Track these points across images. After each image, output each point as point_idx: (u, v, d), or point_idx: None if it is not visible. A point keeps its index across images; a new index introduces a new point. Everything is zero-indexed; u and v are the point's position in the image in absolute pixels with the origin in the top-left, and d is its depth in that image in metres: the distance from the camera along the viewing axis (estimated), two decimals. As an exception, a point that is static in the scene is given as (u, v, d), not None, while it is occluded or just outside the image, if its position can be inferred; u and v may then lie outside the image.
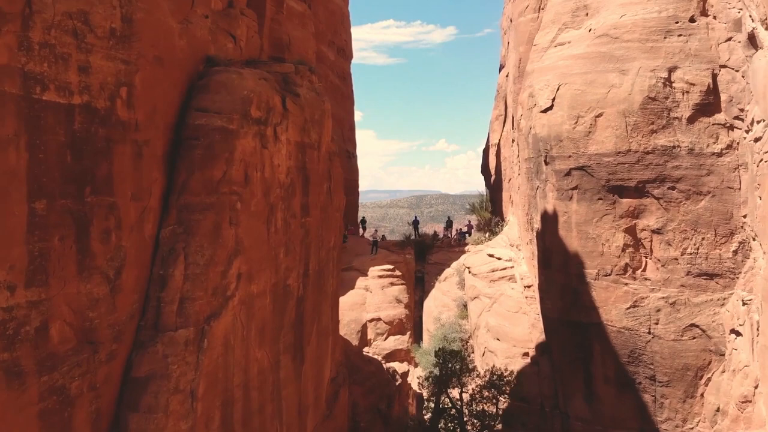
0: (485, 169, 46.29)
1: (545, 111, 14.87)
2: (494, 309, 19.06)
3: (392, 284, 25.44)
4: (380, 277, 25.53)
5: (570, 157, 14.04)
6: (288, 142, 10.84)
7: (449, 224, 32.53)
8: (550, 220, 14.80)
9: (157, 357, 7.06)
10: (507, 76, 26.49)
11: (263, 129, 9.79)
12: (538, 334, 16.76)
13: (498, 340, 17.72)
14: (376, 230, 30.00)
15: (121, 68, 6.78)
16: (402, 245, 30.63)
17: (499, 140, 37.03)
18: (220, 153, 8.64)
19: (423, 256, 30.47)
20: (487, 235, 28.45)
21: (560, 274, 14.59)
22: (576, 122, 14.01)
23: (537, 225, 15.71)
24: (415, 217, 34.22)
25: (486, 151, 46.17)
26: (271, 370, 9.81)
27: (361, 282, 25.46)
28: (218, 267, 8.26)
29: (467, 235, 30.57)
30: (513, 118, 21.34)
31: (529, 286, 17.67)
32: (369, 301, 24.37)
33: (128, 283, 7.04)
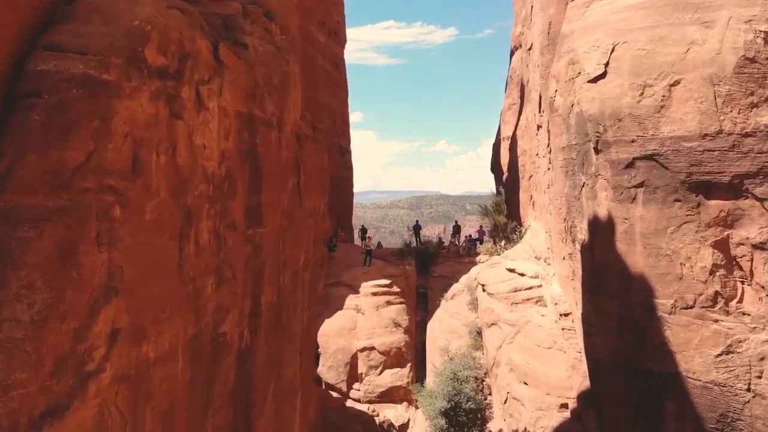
0: (496, 167, 42.96)
1: (595, 80, 11.49)
2: (519, 341, 15.66)
3: (389, 303, 22.04)
4: (374, 294, 22.13)
5: (633, 141, 10.65)
6: (224, 113, 7.45)
7: (457, 230, 29.15)
8: (602, 229, 11.44)
9: None
10: (529, 50, 23.12)
11: (174, 87, 6.42)
12: (580, 380, 13.36)
13: (525, 384, 14.31)
14: (369, 237, 26.57)
15: None
16: (401, 254, 27.25)
17: (514, 132, 33.72)
18: (80, 120, 5.28)
19: (426, 267, 27.08)
20: (503, 243, 25.05)
21: (617, 303, 11.20)
22: (641, 93, 10.63)
23: (582, 235, 12.34)
24: (417, 221, 30.78)
25: (496, 146, 42.82)
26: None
27: (351, 301, 22.06)
28: (66, 323, 4.88)
29: (478, 243, 27.17)
30: (540, 99, 17.98)
31: (566, 315, 14.28)
32: (361, 325, 20.96)
33: None
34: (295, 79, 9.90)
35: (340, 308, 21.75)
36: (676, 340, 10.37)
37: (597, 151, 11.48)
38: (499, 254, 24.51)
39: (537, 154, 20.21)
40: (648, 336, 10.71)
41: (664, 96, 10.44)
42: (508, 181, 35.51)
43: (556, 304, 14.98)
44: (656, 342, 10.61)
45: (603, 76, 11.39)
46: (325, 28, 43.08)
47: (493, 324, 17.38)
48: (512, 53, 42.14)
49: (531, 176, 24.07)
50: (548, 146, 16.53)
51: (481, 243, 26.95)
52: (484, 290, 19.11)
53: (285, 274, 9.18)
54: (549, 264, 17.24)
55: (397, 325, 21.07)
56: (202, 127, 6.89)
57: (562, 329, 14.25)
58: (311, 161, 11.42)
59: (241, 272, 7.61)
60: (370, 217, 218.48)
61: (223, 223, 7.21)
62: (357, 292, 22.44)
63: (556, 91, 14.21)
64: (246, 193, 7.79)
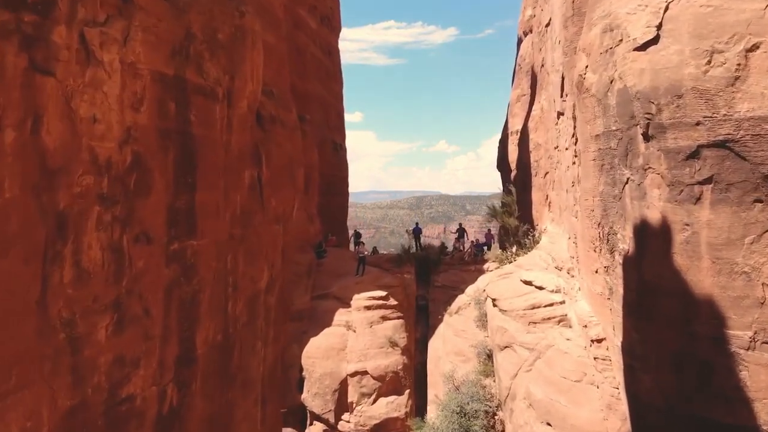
0: (503, 164, 40.87)
1: (644, 47, 9.35)
2: (539, 370, 13.51)
3: (384, 318, 19.88)
4: (368, 308, 19.98)
5: (699, 124, 8.50)
6: (132, 72, 5.28)
7: (461, 233, 26.97)
8: (653, 238, 9.29)
9: None
10: (547, 26, 20.97)
11: (38, 25, 4.25)
12: (618, 424, 11.20)
13: (549, 425, 12.15)
14: (363, 243, 24.37)
15: None
16: (399, 261, 25.09)
17: (524, 125, 31.60)
18: None
19: (427, 275, 24.93)
20: (514, 249, 22.89)
21: (674, 333, 9.05)
22: (709, 62, 8.48)
23: (624, 244, 10.19)
24: (416, 224, 28.59)
25: (503, 142, 40.73)
26: None
27: (341, 316, 19.89)
28: None
29: (486, 248, 25.00)
30: (563, 81, 15.82)
31: (598, 341, 12.12)
32: (352, 344, 18.79)
33: None
34: (254, 38, 7.72)
35: (329, 324, 19.59)
36: (755, 384, 8.22)
37: (647, 137, 9.32)
38: (510, 262, 22.35)
39: (556, 147, 18.07)
40: (716, 377, 8.56)
41: (739, 65, 8.29)
42: (517, 179, 33.36)
43: (585, 326, 12.82)
44: (727, 385, 8.47)
45: (654, 41, 9.24)
46: (317, 12, 40.85)
47: (506, 347, 15.21)
48: (519, 42, 40.10)
49: (547, 173, 21.92)
50: (573, 136, 14.38)
51: (489, 248, 24.80)
52: (495, 305, 16.95)
53: (237, 302, 7.00)
54: (573, 276, 15.09)
55: (393, 344, 18.91)
56: (91, 91, 4.72)
57: (595, 359, 12.09)
58: (281, 151, 9.25)
59: (159, 305, 5.43)
60: (370, 217, 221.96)
61: (128, 235, 5.03)
62: (348, 305, 20.29)
63: (586, 67, 12.06)
64: (169, 190, 5.61)
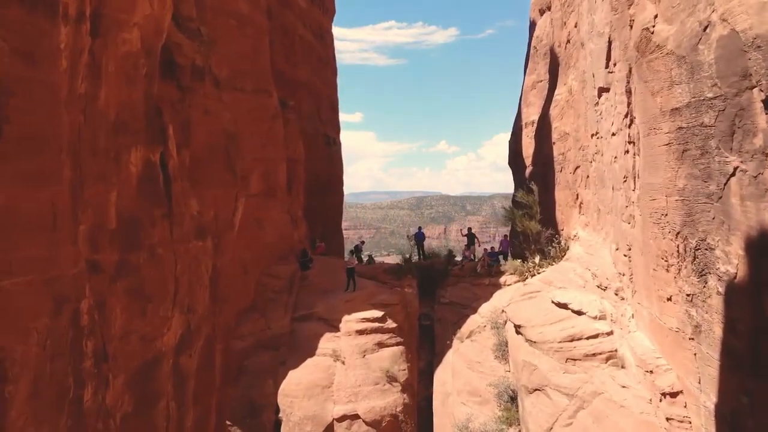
0: (515, 159, 38.02)
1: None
2: (584, 426, 10.62)
3: (380, 345, 17.01)
4: (360, 333, 17.11)
5: None
6: None
7: (471, 240, 24.03)
8: (782, 258, 6.46)
9: None
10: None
11: None
12: None
13: None
14: (352, 252, 21.40)
15: None
16: (398, 273, 22.21)
17: (544, 114, 28.75)
18: None
19: (432, 289, 22.08)
20: (537, 259, 20.00)
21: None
22: None
23: (729, 265, 7.34)
24: (419, 228, 25.62)
25: (516, 135, 37.86)
26: None
27: (327, 343, 17.01)
28: None
29: (501, 258, 22.09)
30: (609, 46, 12.90)
31: (672, 395, 9.22)
32: (340, 380, 15.88)
33: None
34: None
35: (312, 353, 16.70)
36: None
37: (773, 105, 6.43)
38: (533, 275, 19.48)
39: (595, 134, 15.19)
40: None
41: None
42: (534, 176, 30.48)
43: (650, 372, 9.92)
44: None
45: (785, -41, 6.36)
46: (308, -10, 38.00)
47: (537, 390, 12.34)
48: (532, 25, 37.51)
49: (577, 168, 19.04)
50: (627, 116, 11.49)
51: (506, 258, 21.88)
52: (519, 333, 14.08)
53: (105, 385, 4.09)
54: (623, 299, 12.21)
55: (391, 379, 16.01)
56: None
57: (668, 419, 9.18)
58: (211, 123, 6.37)
59: None
60: (370, 217, 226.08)
61: None
62: (336, 329, 17.41)
63: (655, 17, 9.20)
64: None
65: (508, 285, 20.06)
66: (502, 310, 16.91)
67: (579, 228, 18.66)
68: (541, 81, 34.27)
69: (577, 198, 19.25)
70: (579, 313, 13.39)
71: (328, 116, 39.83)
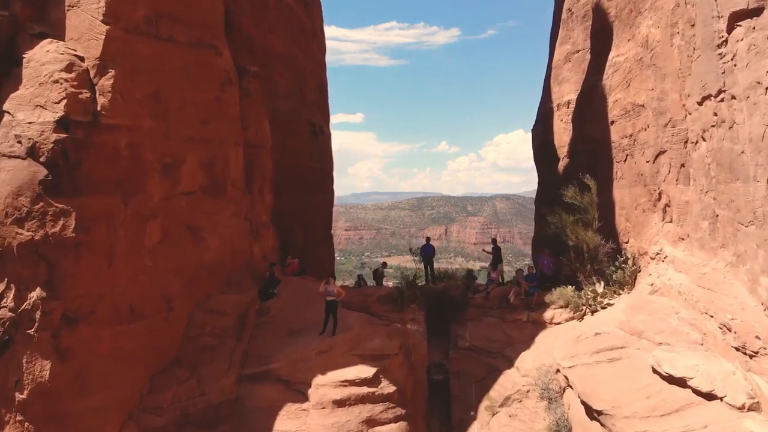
0: (544, 151, 32.91)
1: None
2: None
3: (370, 424, 11.92)
4: (340, 404, 12.05)
5: None
6: None
7: (497, 257, 18.78)
8: None
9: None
10: None
11: None
12: None
13: None
14: (331, 278, 16.04)
15: None
16: (399, 301, 17.10)
17: (585, 90, 23.72)
18: None
19: (445, 324, 16.99)
20: (600, 287, 14.90)
21: None
22: None
23: None
24: (427, 240, 20.25)
25: (543, 121, 32.74)
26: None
27: (288, 422, 11.88)
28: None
29: (538, 285, 16.84)
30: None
31: None
32: (304, 485, 10.71)
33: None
34: None
35: (263, 437, 11.53)
36: None
37: None
38: (593, 309, 14.40)
39: (715, 96, 10.08)
40: None
41: None
42: (571, 169, 25.41)
43: None
44: None
45: None
46: (287, -55, 32.79)
47: None
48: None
49: (660, 153, 13.96)
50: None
51: (551, 283, 16.70)
52: (602, 423, 8.98)
53: None
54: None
55: (387, 481, 10.86)
56: None
57: None
58: None
59: None
60: (371, 218, 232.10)
61: None
62: (303, 396, 12.30)
63: None
64: None
65: (557, 323, 14.99)
66: (557, 370, 11.82)
67: (666, 243, 13.56)
68: (579, 51, 29.23)
69: (660, 198, 14.15)
70: (710, 396, 8.35)
71: (314, 99, 34.45)
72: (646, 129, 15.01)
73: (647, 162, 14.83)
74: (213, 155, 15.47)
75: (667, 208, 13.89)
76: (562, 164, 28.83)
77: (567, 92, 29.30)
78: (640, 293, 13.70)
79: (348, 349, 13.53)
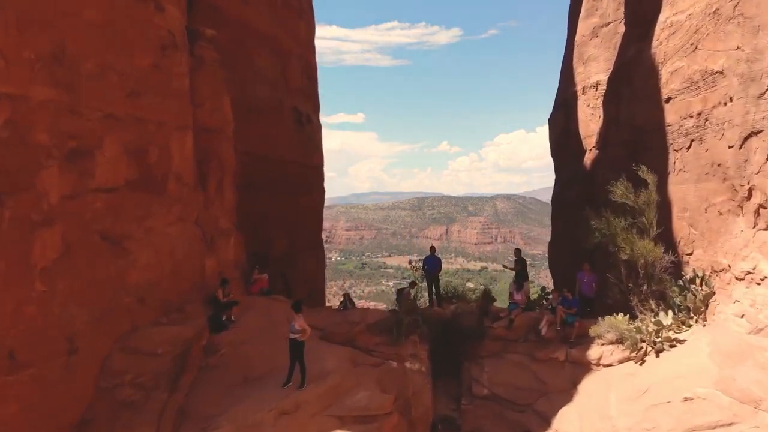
0: (564, 142, 29.48)
1: None
2: None
3: None
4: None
5: None
6: None
7: (521, 277, 15.13)
8: None
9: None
10: None
11: None
12: None
13: None
14: (298, 308, 12.41)
15: None
16: (395, 331, 13.54)
17: (621, 66, 20.31)
18: None
19: (455, 362, 13.53)
20: (667, 316, 11.44)
21: None
22: None
23: None
24: (432, 251, 16.48)
25: (566, 108, 29.27)
26: None
27: None
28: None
29: (576, 312, 13.35)
30: None
31: None
32: None
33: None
34: None
35: None
36: None
37: None
38: (659, 350, 10.94)
39: None
40: None
41: None
42: (602, 163, 22.00)
43: None
44: None
45: None
46: None
47: None
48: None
49: (752, 135, 10.52)
50: None
51: (592, 308, 13.24)
52: None
53: None
54: None
55: None
56: None
57: None
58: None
59: None
60: (372, 218, 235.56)
61: None
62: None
63: None
64: None
65: (606, 365, 11.50)
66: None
67: (762, 258, 10.10)
68: (609, 23, 25.81)
69: (750, 196, 10.69)
70: None
71: (301, 85, 30.79)
72: (726, 103, 11.55)
73: (729, 147, 11.36)
74: (146, 140, 11.98)
75: (761, 210, 10.44)
76: (589, 157, 25.39)
77: (595, 72, 25.88)
78: (726, 329, 10.23)
79: (321, 408, 10.00)
